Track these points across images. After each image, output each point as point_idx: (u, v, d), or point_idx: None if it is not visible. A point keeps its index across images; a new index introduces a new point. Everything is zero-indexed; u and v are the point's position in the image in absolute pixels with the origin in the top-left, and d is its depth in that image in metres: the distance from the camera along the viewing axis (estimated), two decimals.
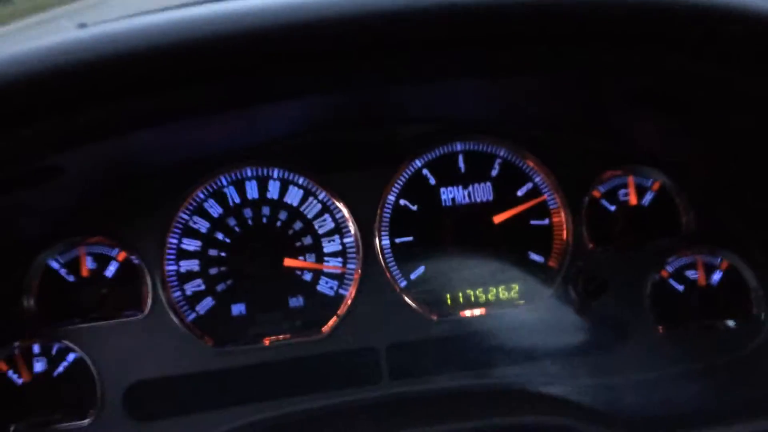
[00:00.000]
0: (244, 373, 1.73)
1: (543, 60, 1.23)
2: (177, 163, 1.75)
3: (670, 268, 1.80)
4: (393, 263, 1.80)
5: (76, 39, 1.06)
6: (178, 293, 1.75)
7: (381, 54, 1.14)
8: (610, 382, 1.72)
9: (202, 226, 1.77)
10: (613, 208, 1.83)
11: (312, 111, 1.66)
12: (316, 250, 1.80)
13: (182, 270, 1.76)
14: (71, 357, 1.70)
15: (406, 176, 1.82)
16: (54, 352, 1.70)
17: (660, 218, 1.83)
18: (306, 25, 1.06)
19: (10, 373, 1.68)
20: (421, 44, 1.12)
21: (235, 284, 1.77)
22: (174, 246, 1.76)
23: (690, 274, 1.81)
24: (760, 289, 1.78)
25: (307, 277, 1.79)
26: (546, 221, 1.82)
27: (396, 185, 1.81)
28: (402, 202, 1.81)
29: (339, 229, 1.80)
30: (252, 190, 1.79)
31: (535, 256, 1.82)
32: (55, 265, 1.73)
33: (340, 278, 1.80)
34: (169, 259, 1.76)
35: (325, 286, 1.79)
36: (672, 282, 1.80)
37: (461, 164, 1.82)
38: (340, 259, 1.80)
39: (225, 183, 1.78)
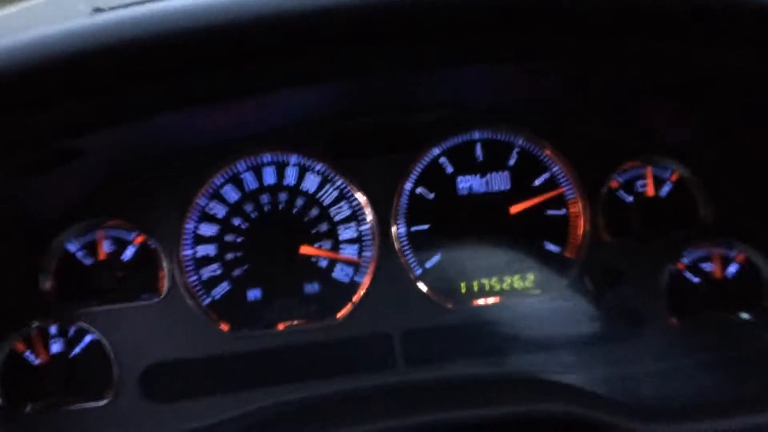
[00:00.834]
0: (258, 358, 1.74)
1: (565, 50, 1.23)
2: (195, 148, 1.76)
3: (685, 260, 1.80)
4: (409, 251, 1.80)
5: (94, 24, 1.06)
6: (195, 277, 1.76)
7: (398, 41, 1.14)
8: (624, 372, 1.72)
9: (220, 211, 1.78)
10: (630, 198, 1.83)
11: (330, 97, 1.66)
12: (332, 236, 1.80)
13: (199, 254, 1.77)
14: (88, 338, 1.71)
15: (424, 164, 1.82)
16: (71, 333, 1.71)
17: (677, 210, 1.82)
18: (325, 11, 1.06)
19: (28, 353, 1.69)
20: (440, 31, 1.12)
21: (251, 269, 1.77)
22: (191, 231, 1.77)
23: (705, 266, 1.80)
24: None
25: (323, 263, 1.80)
26: (563, 211, 1.82)
27: (413, 173, 1.81)
28: (419, 190, 1.81)
29: (355, 216, 1.81)
30: (269, 176, 1.80)
31: (551, 246, 1.82)
32: (72, 247, 1.74)
33: (355, 265, 1.80)
34: (186, 244, 1.76)
35: (340, 273, 1.80)
36: (687, 274, 1.80)
37: (479, 153, 1.82)
38: (356, 246, 1.80)
39: (243, 168, 1.79)
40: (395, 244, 1.79)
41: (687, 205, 1.83)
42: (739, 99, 1.51)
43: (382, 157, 1.81)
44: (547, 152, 1.82)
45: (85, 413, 1.69)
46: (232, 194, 1.78)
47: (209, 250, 1.77)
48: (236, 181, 1.79)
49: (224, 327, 1.75)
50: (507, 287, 1.81)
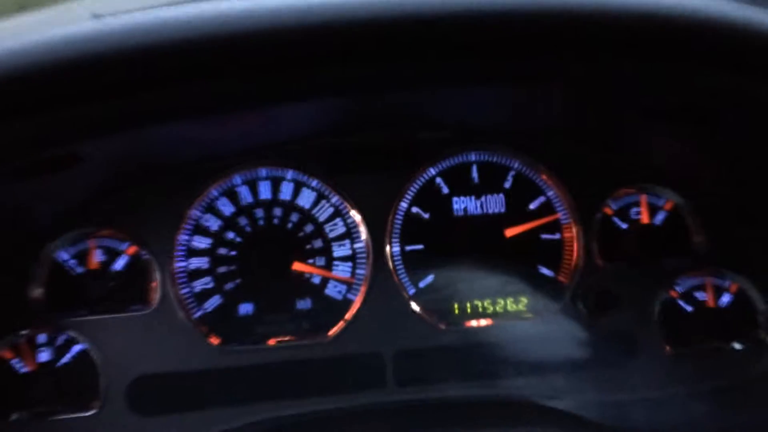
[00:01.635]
0: (248, 373, 1.73)
1: (564, 71, 1.23)
2: (191, 160, 1.75)
3: (679, 288, 1.80)
4: (402, 270, 1.80)
5: (93, 30, 1.06)
6: (186, 290, 1.75)
7: (397, 60, 1.14)
8: (616, 399, 1.71)
9: (214, 224, 1.77)
10: (624, 225, 1.83)
11: (328, 114, 1.67)
12: (326, 253, 1.80)
13: (191, 267, 1.76)
14: (76, 348, 1.69)
15: (420, 184, 1.82)
16: (59, 342, 1.69)
17: (671, 238, 1.83)
18: (325, 28, 1.06)
19: (15, 361, 1.67)
20: (438, 52, 1.12)
21: (243, 284, 1.76)
22: (184, 243, 1.76)
23: (699, 295, 1.80)
24: None
25: (316, 280, 1.79)
26: (557, 236, 1.82)
27: (409, 192, 1.81)
28: (414, 209, 1.81)
29: (350, 234, 1.80)
30: (265, 191, 1.79)
31: (544, 270, 1.82)
32: (63, 256, 1.72)
33: (348, 283, 1.79)
34: (179, 256, 1.75)
35: (333, 290, 1.79)
36: (680, 302, 1.80)
37: (475, 174, 1.83)
38: (349, 263, 1.80)
39: (238, 182, 1.79)
40: (389, 263, 1.79)
41: (681, 234, 1.83)
42: (736, 129, 1.51)
43: (378, 176, 1.81)
44: (543, 176, 1.83)
45: (71, 423, 1.67)
46: (226, 207, 1.78)
47: (202, 262, 1.76)
48: (231, 194, 1.78)
49: (214, 341, 1.73)
50: (500, 309, 1.81)
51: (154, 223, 1.75)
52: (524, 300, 1.82)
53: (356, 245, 1.80)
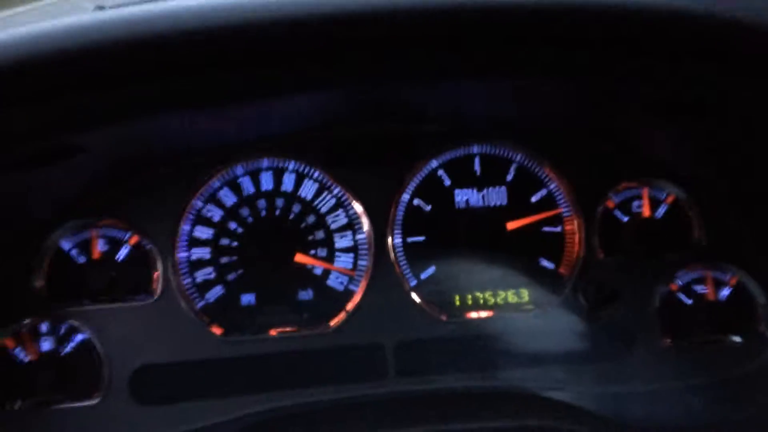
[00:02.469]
0: (249, 363, 1.74)
1: (566, 64, 1.24)
2: (193, 150, 1.75)
3: (679, 282, 1.81)
4: (404, 262, 1.80)
5: (94, 21, 1.06)
6: (189, 280, 1.76)
7: (398, 52, 1.15)
8: (615, 391, 1.72)
9: (216, 214, 1.77)
10: (625, 218, 1.84)
11: (330, 105, 1.67)
12: (328, 245, 1.80)
13: (193, 257, 1.77)
14: (79, 338, 1.70)
15: (422, 176, 1.82)
16: (62, 332, 1.70)
17: (672, 231, 1.83)
18: (327, 19, 1.06)
19: (17, 350, 1.68)
20: (441, 43, 1.12)
21: (245, 274, 1.77)
22: (186, 233, 1.76)
23: (699, 288, 1.81)
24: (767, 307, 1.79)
25: (318, 271, 1.80)
26: (558, 228, 1.83)
27: (411, 184, 1.81)
28: (416, 201, 1.81)
29: (352, 225, 1.81)
30: (267, 182, 1.79)
31: (546, 263, 1.83)
32: (66, 245, 1.73)
33: (350, 273, 1.80)
34: (181, 246, 1.76)
35: (335, 281, 1.80)
36: (680, 295, 1.81)
37: (477, 167, 1.83)
38: (351, 255, 1.80)
39: (240, 173, 1.79)
40: (391, 254, 1.79)
41: (682, 227, 1.84)
42: (738, 123, 1.52)
43: (381, 167, 1.81)
44: (545, 169, 1.83)
45: (73, 413, 1.68)
46: (228, 198, 1.78)
47: (204, 253, 1.77)
48: (233, 185, 1.79)
49: (217, 331, 1.74)
50: (501, 301, 1.82)
51: (156, 213, 1.75)
52: (525, 292, 1.83)
53: (358, 236, 1.81)
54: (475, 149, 1.83)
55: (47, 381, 1.68)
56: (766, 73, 1.17)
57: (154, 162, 1.75)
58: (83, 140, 1.42)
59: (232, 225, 1.78)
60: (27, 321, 1.69)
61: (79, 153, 1.46)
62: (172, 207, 1.76)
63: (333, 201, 1.81)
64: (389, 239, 1.80)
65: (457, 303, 1.82)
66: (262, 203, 1.79)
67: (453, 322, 1.79)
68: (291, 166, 1.80)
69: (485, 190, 1.82)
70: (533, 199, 1.83)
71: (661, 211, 1.84)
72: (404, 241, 1.81)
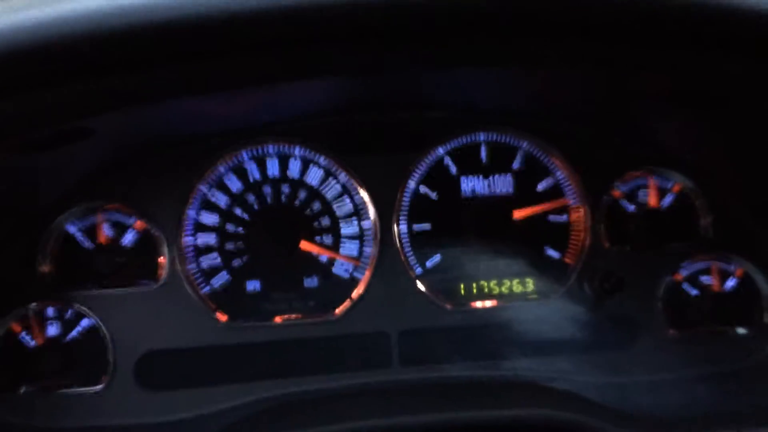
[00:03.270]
0: (254, 350, 1.74)
1: (570, 54, 1.22)
2: (200, 136, 1.75)
3: (684, 272, 1.81)
4: (409, 250, 1.80)
5: (102, 5, 1.05)
6: (194, 266, 1.76)
7: (405, 39, 1.14)
8: (619, 381, 1.73)
9: (221, 200, 1.77)
10: (632, 208, 1.83)
11: (337, 92, 1.66)
12: (334, 231, 1.80)
13: (199, 243, 1.77)
14: (85, 323, 1.70)
15: (428, 163, 1.82)
16: (68, 316, 1.70)
17: (678, 221, 1.83)
18: (336, 6, 1.05)
19: (24, 335, 1.68)
20: (447, 31, 1.11)
21: (251, 261, 1.77)
22: (192, 218, 1.76)
23: (704, 279, 1.81)
24: None
25: (323, 258, 1.80)
26: (564, 218, 1.83)
27: (417, 172, 1.81)
28: (422, 189, 1.81)
29: (357, 212, 1.81)
30: (273, 168, 1.79)
31: (551, 252, 1.83)
32: (72, 229, 1.73)
33: (355, 261, 1.80)
34: (187, 232, 1.76)
35: (340, 269, 1.80)
36: (686, 285, 1.81)
37: (483, 155, 1.82)
38: (357, 242, 1.80)
39: (246, 158, 1.78)
40: (396, 242, 1.79)
41: (688, 217, 1.84)
42: (746, 113, 1.51)
43: (387, 155, 1.81)
44: (552, 158, 1.82)
45: (78, 398, 1.69)
46: (234, 184, 1.78)
47: (210, 239, 1.77)
48: (239, 170, 1.78)
49: (222, 317, 1.74)
50: (506, 290, 1.82)
51: (162, 199, 1.75)
52: (530, 281, 1.83)
53: (364, 224, 1.81)
54: (482, 137, 1.83)
55: (53, 366, 1.69)
56: None
57: (161, 147, 1.75)
58: (91, 124, 1.42)
59: (238, 211, 1.78)
60: (33, 305, 1.69)
61: (86, 137, 1.46)
62: (178, 192, 1.75)
63: (339, 188, 1.80)
64: (395, 227, 1.80)
65: (462, 292, 1.82)
66: (268, 189, 1.79)
67: (458, 310, 1.79)
68: (297, 152, 1.80)
69: (491, 178, 1.82)
70: (539, 187, 1.83)
71: (667, 200, 1.84)
72: (410, 229, 1.81)
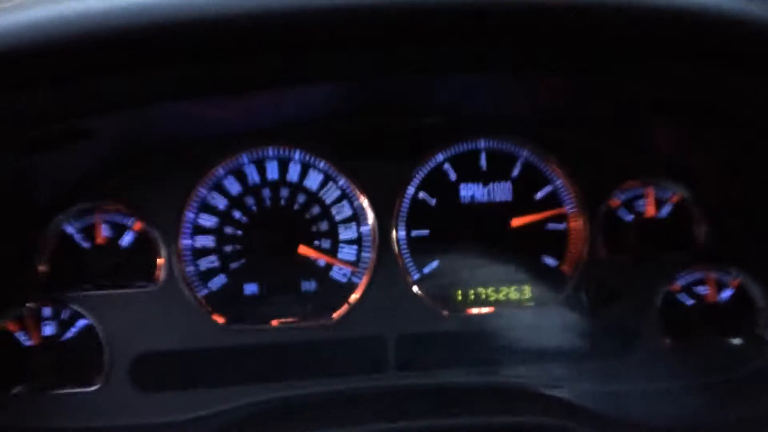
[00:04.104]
0: (251, 353, 1.74)
1: (567, 62, 1.23)
2: (200, 138, 1.75)
3: (681, 282, 1.82)
4: (408, 255, 1.81)
5: (106, 6, 1.05)
6: (192, 268, 1.76)
7: (403, 45, 1.14)
8: (613, 389, 1.74)
9: (220, 202, 1.77)
10: (630, 217, 1.84)
11: (338, 96, 1.66)
12: (332, 236, 1.80)
13: (197, 245, 1.76)
14: (81, 323, 1.70)
15: (427, 169, 1.82)
16: (64, 316, 1.70)
17: (675, 232, 1.84)
18: (335, 10, 1.06)
19: (19, 334, 1.68)
20: (445, 38, 1.12)
21: (249, 263, 1.77)
22: (191, 220, 1.76)
23: (700, 289, 1.82)
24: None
25: (321, 262, 1.80)
26: (563, 226, 1.83)
27: (416, 178, 1.81)
28: (421, 195, 1.81)
29: (356, 217, 1.81)
30: (272, 171, 1.79)
31: (548, 260, 1.83)
32: (70, 230, 1.72)
33: (353, 266, 1.80)
34: (185, 233, 1.76)
35: (338, 273, 1.80)
36: (682, 296, 1.82)
37: (483, 162, 1.83)
38: (355, 247, 1.80)
39: (246, 161, 1.78)
40: (395, 247, 1.80)
41: (685, 228, 1.84)
42: (745, 125, 1.52)
43: (387, 160, 1.81)
44: (551, 166, 1.83)
45: (73, 398, 1.68)
46: (233, 187, 1.78)
47: (208, 241, 1.77)
48: (239, 173, 1.78)
49: (219, 320, 1.74)
50: (502, 298, 1.82)
51: (161, 200, 1.74)
52: (527, 289, 1.83)
53: (362, 228, 1.81)
54: (482, 144, 1.83)
55: (48, 366, 1.68)
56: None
57: (161, 149, 1.74)
58: (92, 125, 1.42)
59: (237, 214, 1.77)
60: (29, 305, 1.69)
61: (86, 137, 1.46)
62: (177, 194, 1.75)
63: (338, 192, 1.80)
64: (393, 232, 1.80)
65: (459, 298, 1.82)
66: (267, 193, 1.79)
67: (454, 317, 1.80)
68: (297, 156, 1.80)
69: (490, 186, 1.82)
70: (538, 195, 1.83)
71: (664, 211, 1.85)
72: (408, 235, 1.81)
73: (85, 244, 1.73)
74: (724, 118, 1.52)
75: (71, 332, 1.70)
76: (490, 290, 1.82)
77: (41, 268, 1.70)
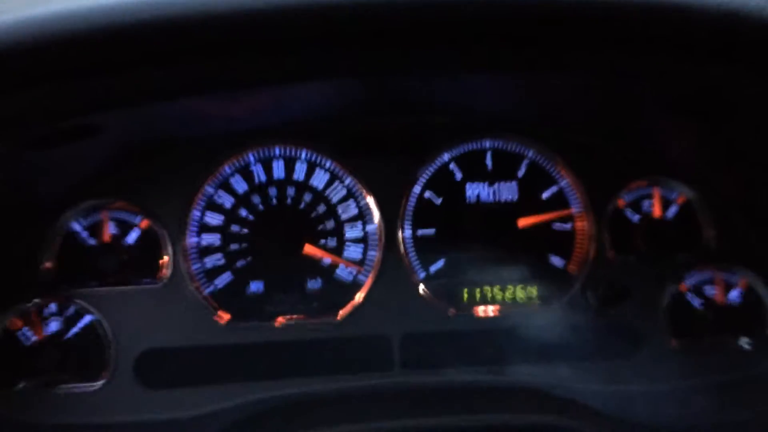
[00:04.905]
0: (255, 351, 1.73)
1: (571, 61, 1.23)
2: (207, 136, 1.75)
3: (688, 283, 1.81)
4: (413, 254, 1.80)
5: (120, 2, 1.06)
6: (198, 265, 1.76)
7: (409, 44, 1.15)
8: (620, 389, 1.72)
9: (227, 201, 1.77)
10: (636, 218, 1.83)
11: (344, 96, 1.67)
12: (338, 235, 1.80)
13: (203, 243, 1.77)
14: (86, 319, 1.70)
15: (433, 169, 1.82)
16: (69, 313, 1.70)
17: (682, 232, 1.83)
18: (344, 7, 1.06)
19: (24, 330, 1.67)
20: (449, 37, 1.12)
21: (254, 262, 1.77)
22: (197, 219, 1.76)
23: (708, 290, 1.81)
24: None
25: (327, 261, 1.79)
26: (569, 226, 1.83)
27: (422, 177, 1.81)
28: (427, 194, 1.81)
29: (362, 216, 1.81)
30: (279, 170, 1.79)
31: (555, 260, 1.82)
32: (77, 227, 1.73)
33: (359, 264, 1.80)
34: (191, 232, 1.76)
35: (343, 272, 1.79)
36: (689, 296, 1.81)
37: (489, 161, 1.83)
38: (361, 246, 1.80)
39: (253, 160, 1.79)
40: (400, 246, 1.79)
41: (692, 228, 1.84)
42: (752, 126, 1.51)
43: (393, 159, 1.81)
44: (557, 166, 1.83)
45: (77, 395, 1.67)
46: (240, 185, 1.78)
47: (214, 239, 1.77)
48: (245, 172, 1.79)
49: (223, 317, 1.74)
50: (509, 297, 1.82)
51: (167, 198, 1.75)
52: (533, 288, 1.82)
53: (368, 227, 1.81)
54: (488, 144, 1.84)
55: (53, 362, 1.68)
56: None
57: (167, 146, 1.75)
58: (100, 122, 1.42)
59: (243, 212, 1.78)
60: (35, 301, 1.69)
61: (94, 135, 1.46)
62: (183, 192, 1.76)
63: (344, 191, 1.81)
64: (399, 231, 1.80)
65: (465, 297, 1.81)
66: (273, 191, 1.79)
67: (460, 316, 1.79)
68: (303, 155, 1.80)
69: (496, 185, 1.82)
70: (544, 195, 1.83)
71: (671, 211, 1.84)
72: (414, 234, 1.81)
73: (92, 242, 1.73)
74: (730, 118, 1.52)
75: (76, 329, 1.69)
76: (496, 289, 1.82)
77: (47, 264, 1.70)
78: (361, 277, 1.79)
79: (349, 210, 1.81)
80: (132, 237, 1.75)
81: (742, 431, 1.62)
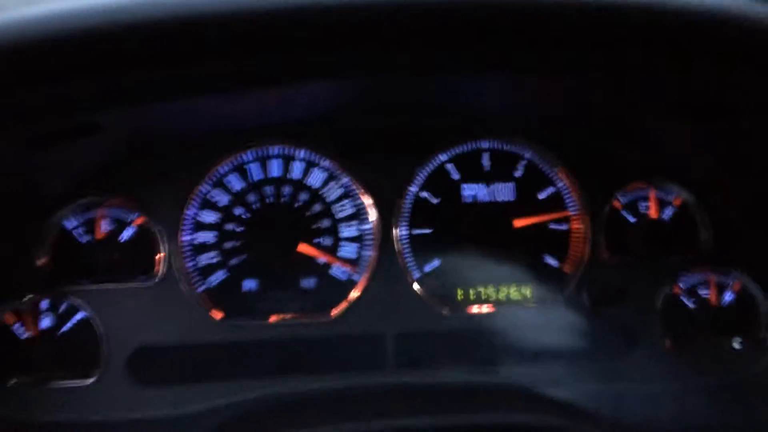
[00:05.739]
0: (249, 349, 1.73)
1: (569, 61, 1.23)
2: (203, 134, 1.75)
3: (682, 284, 1.81)
4: (409, 254, 1.80)
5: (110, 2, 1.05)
6: (192, 263, 1.75)
7: (415, 45, 1.14)
8: (614, 390, 1.72)
9: (222, 199, 1.77)
10: (632, 219, 1.84)
11: (342, 95, 1.66)
12: (333, 234, 1.80)
13: (197, 241, 1.76)
14: (79, 316, 1.69)
15: (430, 169, 1.82)
16: (62, 309, 1.69)
17: (678, 234, 1.84)
18: (343, 9, 1.06)
19: (17, 326, 1.67)
20: (458, 38, 1.12)
21: (248, 260, 1.76)
22: (192, 216, 1.76)
23: (702, 291, 1.81)
24: None
25: (321, 259, 1.79)
26: (565, 227, 1.83)
27: (419, 177, 1.81)
28: (423, 194, 1.81)
29: (358, 215, 1.80)
30: (275, 169, 1.79)
31: (550, 260, 1.82)
32: (71, 224, 1.72)
33: (354, 264, 1.79)
34: (186, 229, 1.75)
35: (338, 270, 1.79)
36: (683, 298, 1.81)
37: (486, 162, 1.83)
38: (356, 245, 1.80)
39: (249, 159, 1.78)
40: (396, 245, 1.79)
41: (688, 230, 1.84)
42: (749, 128, 1.52)
43: (390, 159, 1.81)
44: (554, 167, 1.83)
45: (69, 391, 1.67)
46: (236, 183, 1.78)
47: (208, 237, 1.76)
48: (241, 170, 1.78)
49: (217, 315, 1.73)
50: (503, 297, 1.81)
51: (163, 196, 1.75)
52: (528, 288, 1.82)
53: (363, 227, 1.80)
54: (485, 144, 1.83)
55: (45, 358, 1.67)
56: None
57: (164, 144, 1.75)
58: (96, 120, 1.42)
59: (238, 210, 1.77)
60: (28, 297, 1.68)
61: (91, 133, 1.46)
62: (178, 190, 1.75)
63: (340, 190, 1.80)
64: (395, 230, 1.79)
65: (460, 297, 1.81)
66: (269, 190, 1.79)
67: (454, 316, 1.79)
68: (300, 154, 1.80)
69: (493, 186, 1.82)
70: (541, 196, 1.83)
71: (668, 213, 1.84)
72: (410, 233, 1.81)
73: (86, 238, 1.73)
74: (727, 120, 1.52)
75: (69, 325, 1.69)
76: (490, 289, 1.81)
77: (41, 261, 1.69)
78: (355, 275, 1.79)
79: (345, 209, 1.80)
80: (126, 234, 1.74)
81: None
